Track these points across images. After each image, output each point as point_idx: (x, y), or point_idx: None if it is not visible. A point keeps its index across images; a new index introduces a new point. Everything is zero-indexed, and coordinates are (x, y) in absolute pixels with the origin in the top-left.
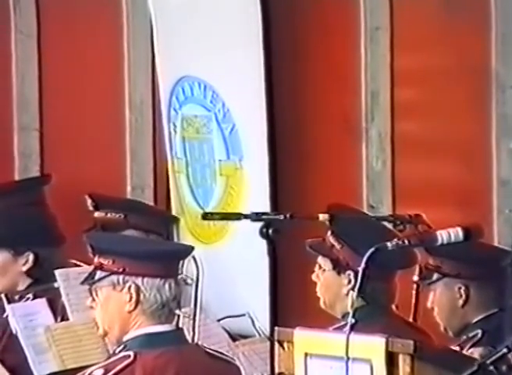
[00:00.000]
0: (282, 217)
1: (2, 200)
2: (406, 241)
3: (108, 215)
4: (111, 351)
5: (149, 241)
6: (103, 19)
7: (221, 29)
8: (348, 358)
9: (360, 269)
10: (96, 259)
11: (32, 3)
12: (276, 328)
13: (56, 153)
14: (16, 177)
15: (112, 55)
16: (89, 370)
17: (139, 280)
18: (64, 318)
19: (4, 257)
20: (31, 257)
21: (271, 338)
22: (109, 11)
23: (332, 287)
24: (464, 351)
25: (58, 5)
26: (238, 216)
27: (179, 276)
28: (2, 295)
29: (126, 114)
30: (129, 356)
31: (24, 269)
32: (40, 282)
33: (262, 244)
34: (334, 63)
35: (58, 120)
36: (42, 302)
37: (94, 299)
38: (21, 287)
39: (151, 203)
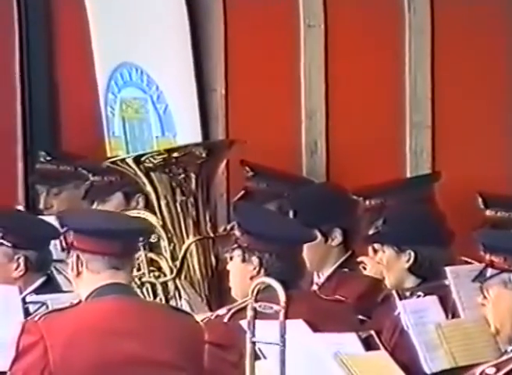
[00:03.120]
0: None
1: (393, 197)
2: None
3: (498, 214)
4: (502, 350)
5: None
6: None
7: None
8: None
9: None
10: (487, 257)
11: (427, 1)
12: None
13: (447, 150)
14: (408, 175)
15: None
16: (481, 368)
17: None
18: (454, 315)
19: (389, 254)
20: (412, 255)
21: None
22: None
23: None
24: None
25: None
26: None
27: None
28: (393, 291)
29: None
30: None
31: (407, 266)
32: (430, 279)
33: None
34: None
35: (450, 117)
36: (433, 299)
37: (485, 297)
38: (408, 284)
39: None
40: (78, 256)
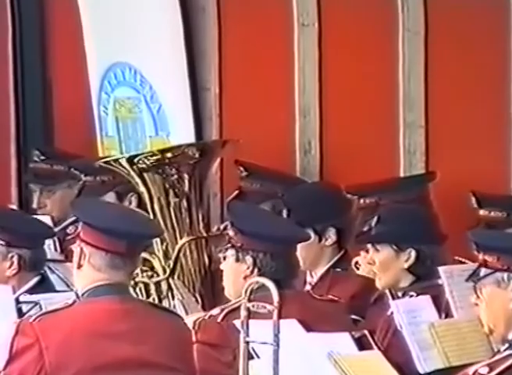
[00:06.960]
0: None
1: (387, 196)
2: None
3: (492, 213)
4: (495, 350)
5: None
6: None
7: None
8: None
9: None
10: (481, 257)
11: (420, 1)
12: None
13: (441, 149)
14: (401, 174)
15: None
16: (474, 368)
17: None
18: (448, 315)
19: (387, 253)
20: (413, 254)
21: None
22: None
23: None
24: None
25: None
26: None
27: None
28: (387, 291)
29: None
30: None
31: (406, 265)
32: (423, 279)
33: None
34: None
35: (443, 116)
36: (426, 299)
37: (478, 296)
38: (403, 283)
39: None
40: (82, 248)
